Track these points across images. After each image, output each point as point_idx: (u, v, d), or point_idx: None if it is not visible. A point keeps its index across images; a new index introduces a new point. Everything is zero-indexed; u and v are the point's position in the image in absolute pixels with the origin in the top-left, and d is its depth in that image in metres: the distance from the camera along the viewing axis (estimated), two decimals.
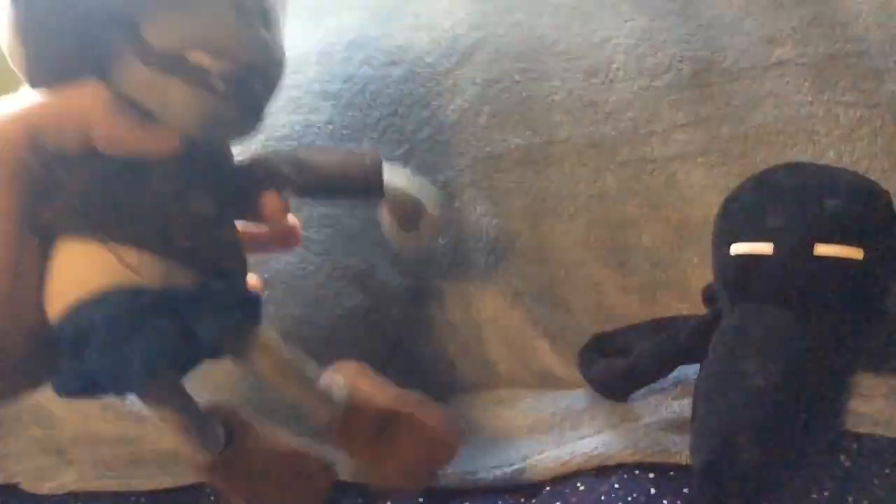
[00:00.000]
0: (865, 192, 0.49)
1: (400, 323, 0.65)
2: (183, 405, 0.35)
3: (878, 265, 0.48)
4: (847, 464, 0.51)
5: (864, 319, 0.50)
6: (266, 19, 0.35)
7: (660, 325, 0.60)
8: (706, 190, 0.60)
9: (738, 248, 0.50)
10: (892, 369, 0.53)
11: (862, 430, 0.52)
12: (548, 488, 0.56)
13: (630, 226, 0.62)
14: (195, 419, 0.36)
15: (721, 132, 0.60)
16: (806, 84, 0.59)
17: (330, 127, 0.66)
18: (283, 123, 0.67)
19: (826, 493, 0.49)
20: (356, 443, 0.41)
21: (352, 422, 0.40)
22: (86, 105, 0.31)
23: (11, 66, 0.32)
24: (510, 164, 0.65)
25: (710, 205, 0.60)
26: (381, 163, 0.41)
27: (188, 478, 0.63)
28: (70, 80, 0.31)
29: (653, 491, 0.52)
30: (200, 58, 0.32)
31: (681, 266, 0.61)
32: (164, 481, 0.63)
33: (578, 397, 0.60)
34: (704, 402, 0.51)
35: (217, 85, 0.33)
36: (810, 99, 0.59)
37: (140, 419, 0.61)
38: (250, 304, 0.38)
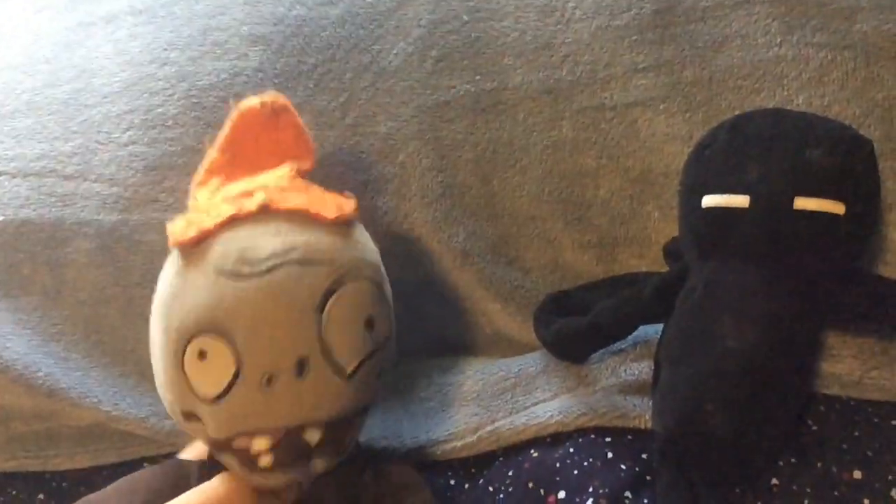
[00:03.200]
0: (848, 141, 0.45)
1: None
2: None
3: (858, 220, 0.45)
4: (815, 427, 0.49)
5: (840, 277, 0.47)
6: (303, 367, 0.40)
7: (619, 283, 0.56)
8: (668, 139, 0.56)
9: (711, 200, 0.47)
10: (861, 329, 0.50)
11: (830, 391, 0.50)
12: (500, 459, 0.52)
13: (587, 178, 0.58)
14: None
15: (684, 76, 0.56)
16: (774, 24, 0.55)
17: (260, 75, 0.60)
18: (208, 71, 0.60)
19: (793, 460, 0.47)
20: None
21: None
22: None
23: None
24: (458, 112, 0.60)
25: (672, 155, 0.56)
26: None
27: (109, 456, 0.59)
28: None
29: (609, 455, 0.50)
30: (244, 443, 0.40)
31: (641, 220, 0.57)
32: (83, 460, 0.59)
33: (533, 360, 0.57)
34: (670, 365, 0.48)
35: (264, 462, 0.40)
36: (779, 40, 0.55)
37: (52, 393, 0.56)
38: None
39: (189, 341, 0.40)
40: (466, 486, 0.52)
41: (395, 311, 0.62)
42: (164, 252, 0.57)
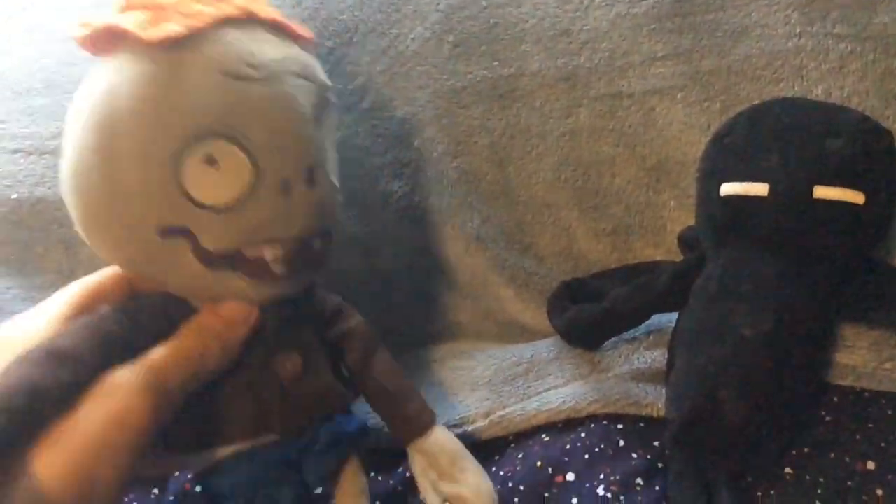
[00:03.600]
0: (869, 131, 0.45)
1: (352, 274, 0.60)
2: None
3: (877, 210, 0.45)
4: (828, 418, 0.48)
5: (856, 267, 0.46)
6: (312, 176, 0.39)
7: (634, 271, 0.56)
8: (686, 128, 0.56)
9: (729, 188, 0.46)
10: (876, 320, 0.50)
11: (844, 382, 0.49)
12: (512, 444, 0.52)
13: (603, 166, 0.58)
14: None
15: (703, 66, 0.56)
16: (794, 15, 0.55)
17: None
18: None
19: (806, 450, 0.47)
20: None
21: None
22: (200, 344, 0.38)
23: None
24: (475, 98, 0.60)
25: (689, 144, 0.56)
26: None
27: None
28: None
29: (621, 442, 0.49)
30: (257, 252, 0.38)
31: (657, 209, 0.57)
32: None
33: (546, 346, 0.57)
34: (685, 353, 0.48)
35: (275, 270, 0.39)
36: (798, 31, 0.54)
37: None
38: (352, 439, 0.43)
39: (189, 146, 0.36)
40: None
41: (409, 296, 0.62)
42: None
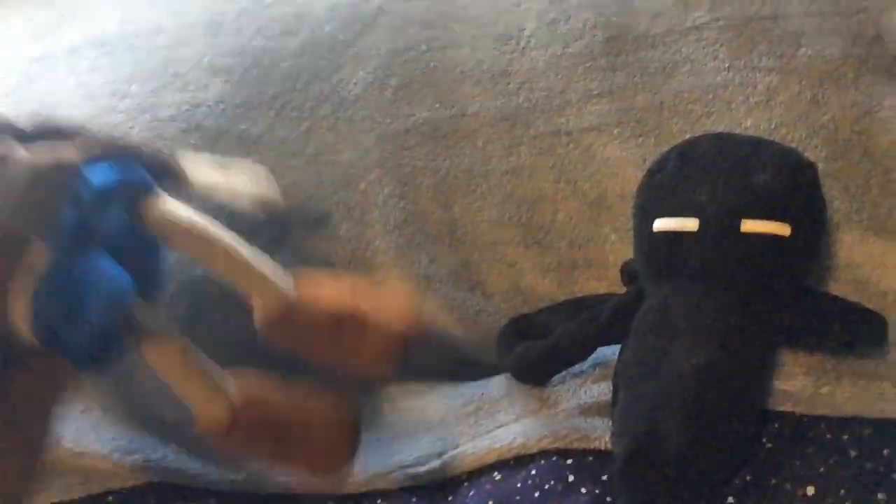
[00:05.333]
0: (793, 164, 0.47)
1: None
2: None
3: (804, 240, 0.47)
4: (769, 445, 0.49)
5: (789, 296, 0.48)
6: None
7: (579, 305, 0.57)
8: (623, 163, 0.57)
9: (661, 224, 0.48)
10: (812, 345, 0.51)
11: (783, 408, 0.50)
12: (465, 483, 0.53)
13: (546, 202, 0.59)
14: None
15: (636, 102, 0.57)
16: (722, 50, 0.57)
17: (221, 106, 0.61)
18: (168, 103, 0.61)
19: (748, 478, 0.48)
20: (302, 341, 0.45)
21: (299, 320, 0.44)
22: None
23: None
24: (418, 140, 0.61)
25: (627, 178, 0.57)
26: None
27: (74, 491, 0.58)
28: None
29: (571, 478, 0.50)
30: None
31: (599, 243, 0.59)
32: (50, 496, 0.58)
33: (496, 384, 0.57)
34: (627, 388, 0.49)
35: None
36: (727, 65, 0.56)
37: None
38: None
39: None
40: None
41: None
42: None
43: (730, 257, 0.46)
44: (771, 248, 0.46)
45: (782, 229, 0.46)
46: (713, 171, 0.47)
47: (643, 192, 0.51)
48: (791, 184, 0.46)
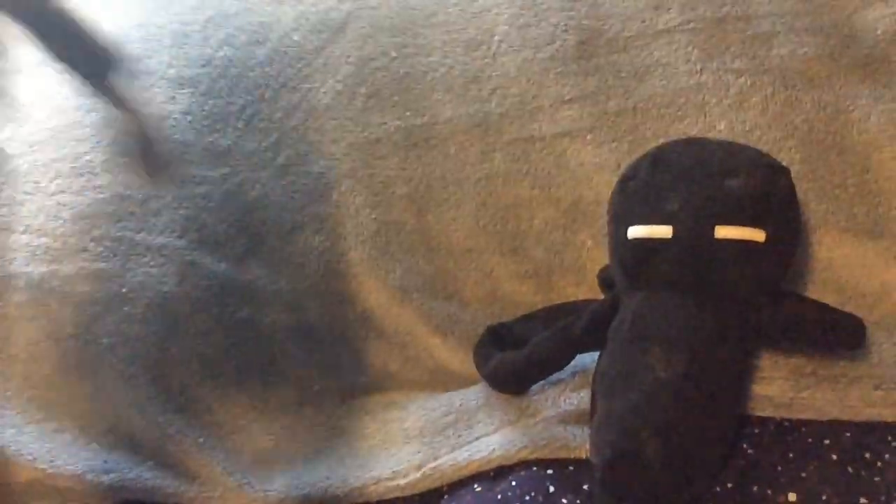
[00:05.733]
0: (766, 169, 0.46)
1: (279, 330, 0.60)
2: None
3: (779, 245, 0.46)
4: (750, 451, 0.49)
5: (765, 301, 0.47)
6: None
7: (556, 312, 0.56)
8: (597, 168, 0.57)
9: (635, 232, 0.47)
10: (791, 350, 0.51)
11: (763, 413, 0.50)
12: (446, 496, 0.52)
13: (521, 209, 0.58)
14: None
15: (609, 107, 0.57)
16: (694, 52, 0.56)
17: (189, 118, 0.60)
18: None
19: (729, 485, 0.47)
20: None
21: None
22: None
23: None
24: (390, 148, 0.60)
25: (601, 184, 0.57)
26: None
27: None
28: None
29: (551, 489, 0.49)
30: None
31: (575, 249, 0.58)
32: None
33: (474, 394, 0.57)
34: (604, 397, 0.48)
35: None
36: (699, 67, 0.56)
37: None
38: None
39: None
40: None
41: (336, 348, 0.61)
42: (96, 303, 0.57)
43: (704, 264, 0.45)
44: (745, 253, 0.45)
45: (757, 235, 0.45)
46: (686, 177, 0.47)
47: (616, 200, 0.50)
48: (765, 189, 0.46)
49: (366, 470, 0.54)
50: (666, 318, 0.46)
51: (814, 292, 0.54)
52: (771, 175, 0.46)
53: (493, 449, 0.52)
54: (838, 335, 0.49)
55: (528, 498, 0.49)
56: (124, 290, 0.56)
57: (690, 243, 0.45)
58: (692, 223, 0.45)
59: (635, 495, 0.46)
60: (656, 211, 0.47)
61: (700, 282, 0.46)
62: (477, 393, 0.57)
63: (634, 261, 0.47)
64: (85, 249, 0.57)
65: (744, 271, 0.45)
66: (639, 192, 0.48)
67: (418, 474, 0.53)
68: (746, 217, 0.45)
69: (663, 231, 0.46)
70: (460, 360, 0.60)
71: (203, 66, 0.61)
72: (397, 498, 0.53)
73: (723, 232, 0.45)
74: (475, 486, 0.51)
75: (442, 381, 0.60)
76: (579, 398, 0.54)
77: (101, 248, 0.57)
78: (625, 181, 0.49)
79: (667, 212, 0.46)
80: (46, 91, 0.64)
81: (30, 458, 0.56)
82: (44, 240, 0.58)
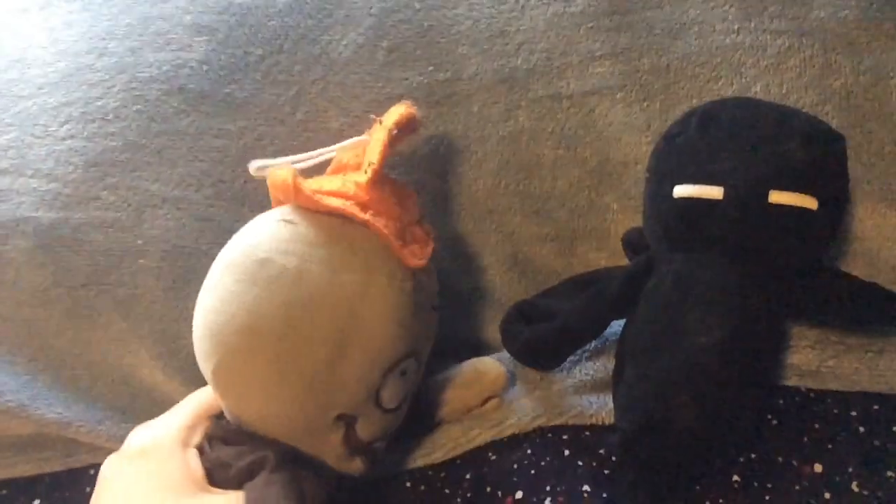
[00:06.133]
0: (823, 136, 0.44)
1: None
2: None
3: (829, 215, 0.44)
4: (775, 421, 0.48)
5: (807, 272, 0.46)
6: None
7: (580, 284, 0.54)
8: (626, 129, 0.55)
9: (683, 190, 0.45)
10: (817, 317, 0.50)
11: (788, 383, 0.49)
12: (458, 461, 0.51)
13: (545, 169, 0.57)
14: None
15: (641, 64, 0.55)
16: (731, 11, 0.54)
17: (205, 67, 0.58)
18: (149, 63, 0.58)
19: (753, 455, 0.46)
20: None
21: None
22: None
23: None
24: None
25: (630, 145, 0.55)
26: None
27: (54, 464, 0.57)
28: None
29: (567, 453, 0.49)
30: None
31: (599, 212, 0.56)
32: (26, 469, 0.57)
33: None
34: (636, 361, 0.47)
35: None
36: (736, 27, 0.54)
37: None
38: None
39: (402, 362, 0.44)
40: (423, 487, 0.51)
41: None
42: (108, 252, 0.55)
43: (755, 229, 0.43)
44: (797, 221, 0.43)
45: (810, 202, 0.43)
46: (739, 137, 0.44)
47: (661, 155, 0.48)
48: (821, 155, 0.44)
49: None
50: (709, 283, 0.44)
51: (843, 263, 0.52)
52: (828, 142, 0.44)
53: (507, 418, 0.51)
54: (876, 312, 0.47)
55: (543, 463, 0.49)
56: (140, 241, 0.55)
57: (742, 206, 0.43)
58: (745, 185, 0.43)
59: (663, 460, 0.45)
60: (706, 170, 0.44)
61: (748, 246, 0.44)
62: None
63: (680, 221, 0.45)
64: (97, 198, 0.56)
65: (794, 239, 0.44)
66: (687, 149, 0.46)
67: (431, 444, 0.52)
68: (802, 183, 0.43)
69: (714, 192, 0.44)
70: (475, 328, 0.59)
71: (220, 13, 0.59)
72: (411, 468, 0.52)
73: (776, 197, 0.43)
74: (489, 454, 0.51)
75: (456, 350, 0.59)
76: (595, 367, 0.53)
77: (114, 198, 0.55)
78: (671, 137, 0.47)
79: (718, 172, 0.44)
80: (54, 33, 0.62)
81: (40, 407, 0.55)
82: (54, 185, 0.56)
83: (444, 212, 0.58)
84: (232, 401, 0.43)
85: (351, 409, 0.43)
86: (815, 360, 0.50)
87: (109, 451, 0.52)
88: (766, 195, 0.43)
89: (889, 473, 0.44)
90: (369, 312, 0.41)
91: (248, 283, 0.41)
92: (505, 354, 0.54)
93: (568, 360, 0.53)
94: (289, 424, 0.43)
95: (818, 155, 0.43)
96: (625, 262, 0.54)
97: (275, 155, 0.52)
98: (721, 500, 0.45)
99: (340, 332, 0.41)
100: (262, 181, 0.46)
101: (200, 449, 0.44)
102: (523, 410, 0.51)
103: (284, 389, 0.41)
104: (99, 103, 0.57)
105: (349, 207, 0.42)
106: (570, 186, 0.57)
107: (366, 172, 0.43)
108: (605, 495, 0.46)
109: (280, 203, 0.46)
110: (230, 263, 0.42)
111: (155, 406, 0.52)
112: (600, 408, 0.50)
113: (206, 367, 0.43)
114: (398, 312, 0.42)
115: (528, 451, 0.49)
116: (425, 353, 0.47)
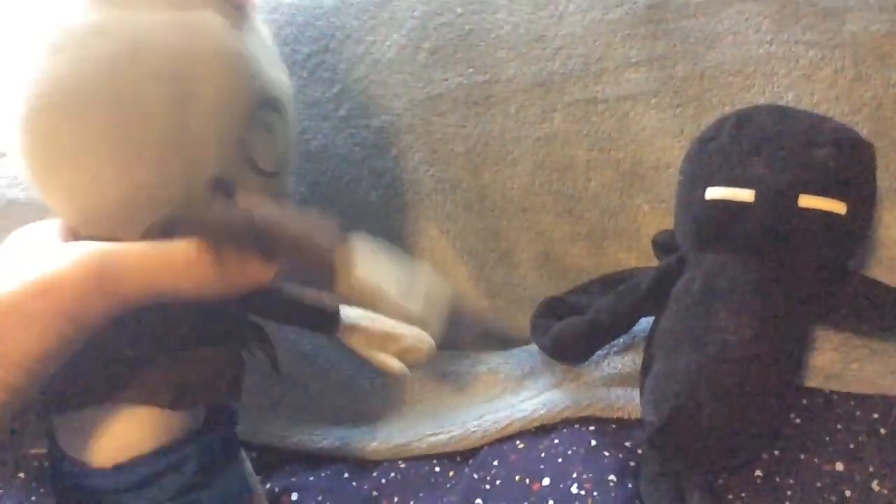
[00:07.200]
0: (852, 143, 0.46)
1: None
2: None
3: (858, 220, 0.46)
4: (798, 420, 0.49)
5: (834, 277, 0.47)
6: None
7: (610, 282, 0.56)
8: (658, 133, 0.56)
9: (715, 193, 0.47)
10: (841, 321, 0.51)
11: (812, 384, 0.50)
12: (486, 448, 0.53)
13: (578, 170, 0.58)
14: None
15: (675, 72, 0.56)
16: (765, 22, 0.55)
17: None
18: None
19: (776, 453, 0.48)
20: None
21: None
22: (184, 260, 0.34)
23: None
24: (450, 105, 0.60)
25: (662, 149, 0.56)
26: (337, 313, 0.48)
27: None
28: None
29: (593, 443, 0.50)
30: None
31: (630, 213, 0.58)
32: None
33: (517, 363, 0.58)
34: (665, 356, 0.48)
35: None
36: (769, 38, 0.55)
37: None
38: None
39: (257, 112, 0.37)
40: (451, 472, 0.52)
41: None
42: None
43: (784, 232, 0.45)
44: (826, 225, 0.45)
45: (839, 207, 0.44)
46: (771, 143, 0.46)
47: (694, 158, 0.49)
48: (850, 162, 0.45)
49: (410, 427, 0.56)
50: (738, 283, 0.46)
51: (870, 270, 0.53)
52: (858, 149, 0.46)
53: (536, 408, 0.53)
54: None
55: (570, 452, 0.50)
56: None
57: (772, 209, 0.45)
58: (776, 189, 0.45)
59: (686, 455, 0.47)
60: (738, 174, 0.46)
61: (777, 249, 0.45)
62: (520, 361, 0.58)
63: (711, 222, 0.47)
64: None
65: (822, 242, 0.45)
66: (720, 153, 0.47)
67: (461, 430, 0.54)
68: (831, 188, 0.44)
69: (745, 195, 0.45)
70: (507, 323, 0.61)
71: (270, 12, 0.62)
72: (440, 454, 0.54)
73: (806, 201, 0.44)
74: (517, 442, 0.52)
75: (487, 343, 0.61)
76: (623, 361, 0.55)
77: None
78: (704, 141, 0.49)
79: (750, 175, 0.46)
80: None
81: None
82: None
83: (480, 209, 0.60)
84: (73, 189, 0.35)
85: (223, 170, 0.36)
86: (839, 362, 0.51)
87: None
88: (796, 199, 0.44)
89: None
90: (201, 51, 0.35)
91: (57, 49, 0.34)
92: (534, 347, 0.56)
93: (596, 354, 0.54)
94: (160, 197, 0.35)
95: (847, 161, 0.45)
96: (653, 262, 0.56)
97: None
98: (743, 495, 0.46)
99: (175, 74, 0.34)
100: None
101: None
102: (552, 401, 0.52)
103: (139, 153, 0.34)
104: None
105: None
106: (603, 188, 0.58)
107: None
108: (630, 486, 0.47)
109: None
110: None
111: None
112: (627, 402, 0.51)
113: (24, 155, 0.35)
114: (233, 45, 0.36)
115: (556, 441, 0.51)
116: (288, 105, 0.40)
